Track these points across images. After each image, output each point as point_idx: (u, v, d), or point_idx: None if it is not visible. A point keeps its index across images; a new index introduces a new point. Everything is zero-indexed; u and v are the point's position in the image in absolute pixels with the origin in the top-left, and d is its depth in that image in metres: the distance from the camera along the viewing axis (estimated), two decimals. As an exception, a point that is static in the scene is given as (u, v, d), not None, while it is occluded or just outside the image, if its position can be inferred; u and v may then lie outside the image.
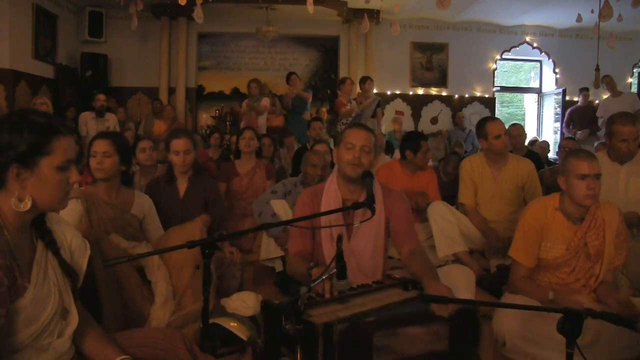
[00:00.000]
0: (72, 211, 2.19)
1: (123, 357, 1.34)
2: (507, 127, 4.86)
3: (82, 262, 1.39)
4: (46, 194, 1.21)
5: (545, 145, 6.64)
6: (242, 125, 6.70)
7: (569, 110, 8.04)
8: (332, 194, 2.11)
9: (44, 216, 1.30)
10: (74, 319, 1.32)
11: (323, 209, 2.07)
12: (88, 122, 6.29)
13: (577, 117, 7.61)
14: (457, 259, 3.17)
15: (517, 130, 4.70)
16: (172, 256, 2.17)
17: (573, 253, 2.20)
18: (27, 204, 1.18)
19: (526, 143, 5.66)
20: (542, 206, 2.28)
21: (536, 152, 5.35)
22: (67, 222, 1.42)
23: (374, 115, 6.57)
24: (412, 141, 3.68)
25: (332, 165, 3.83)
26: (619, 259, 2.22)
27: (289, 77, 7.03)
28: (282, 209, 3.16)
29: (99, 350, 1.37)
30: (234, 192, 3.93)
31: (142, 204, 2.50)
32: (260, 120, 6.66)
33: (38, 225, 1.29)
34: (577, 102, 8.06)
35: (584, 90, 7.67)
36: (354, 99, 6.48)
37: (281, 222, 2.24)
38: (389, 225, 2.14)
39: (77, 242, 1.39)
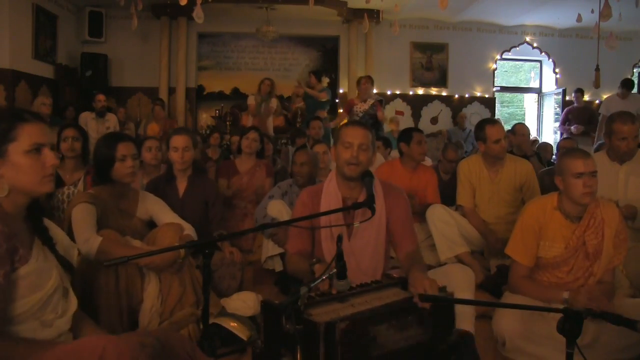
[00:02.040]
0: (87, 214, 2.17)
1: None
2: (507, 127, 4.87)
3: (73, 258, 1.50)
4: (22, 178, 1.30)
5: (549, 149, 6.55)
6: (243, 123, 6.71)
7: (565, 109, 8.06)
8: (331, 193, 2.11)
9: (41, 214, 1.40)
10: (73, 301, 1.42)
11: (323, 208, 2.07)
12: (88, 123, 6.28)
13: (573, 117, 7.61)
14: (459, 261, 3.16)
15: (522, 129, 4.64)
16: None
17: (572, 252, 2.20)
18: (4, 189, 1.29)
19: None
20: (541, 205, 2.28)
21: (538, 153, 5.32)
22: (54, 225, 1.51)
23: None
24: (405, 133, 3.74)
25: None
26: (617, 258, 2.22)
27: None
28: (276, 209, 3.16)
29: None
30: (234, 189, 3.93)
31: (146, 205, 2.48)
32: (269, 121, 6.66)
33: (36, 223, 1.39)
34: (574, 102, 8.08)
35: (578, 92, 7.71)
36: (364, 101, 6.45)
37: (281, 223, 2.24)
38: (389, 224, 2.13)
39: (67, 241, 1.50)
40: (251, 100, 6.66)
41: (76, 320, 1.43)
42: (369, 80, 6.37)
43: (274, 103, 6.67)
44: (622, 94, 6.78)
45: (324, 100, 6.94)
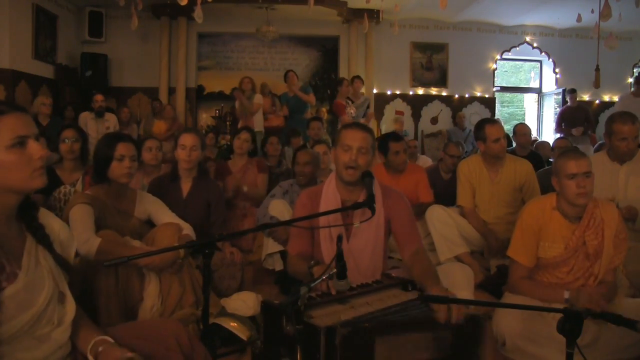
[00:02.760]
0: (85, 215, 2.17)
1: (101, 337, 1.33)
2: (507, 127, 4.90)
3: (70, 252, 1.40)
4: (9, 176, 1.18)
5: (548, 147, 6.56)
6: (240, 124, 6.71)
7: (559, 111, 8.01)
8: (330, 195, 2.10)
9: (34, 211, 1.30)
10: (71, 306, 1.31)
11: (322, 210, 2.06)
12: (88, 123, 6.27)
13: (567, 117, 7.57)
14: (459, 262, 3.16)
15: (524, 129, 4.73)
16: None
17: (572, 252, 2.20)
18: None
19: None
20: (540, 205, 2.28)
21: (538, 152, 5.34)
22: (52, 214, 1.42)
23: (363, 115, 6.61)
24: (382, 143, 3.66)
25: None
26: (618, 258, 2.22)
27: (285, 75, 7.00)
28: (277, 209, 3.17)
29: (87, 339, 1.36)
30: (228, 189, 3.94)
31: (144, 205, 2.48)
32: (256, 118, 6.64)
33: (29, 221, 1.28)
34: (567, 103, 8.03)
35: (572, 92, 7.68)
36: (348, 99, 6.49)
37: (280, 223, 2.24)
38: (391, 226, 2.12)
39: (64, 233, 1.39)
40: (237, 104, 6.70)
41: (74, 325, 1.34)
42: (348, 82, 6.52)
43: (258, 99, 6.64)
44: (635, 92, 6.70)
45: (312, 104, 6.95)
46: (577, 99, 8.03)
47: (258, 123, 6.60)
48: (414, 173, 3.73)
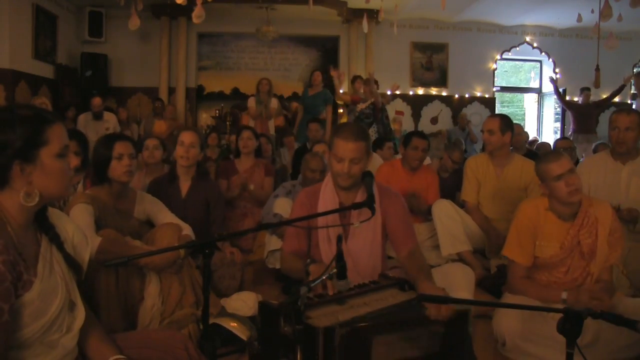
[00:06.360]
0: (85, 214, 2.17)
1: (117, 356, 1.33)
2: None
3: (84, 256, 1.39)
4: (52, 184, 1.20)
5: (548, 148, 6.55)
6: (244, 123, 6.69)
7: (569, 110, 7.96)
8: (328, 195, 2.10)
9: (45, 211, 1.30)
10: (80, 313, 1.31)
11: (320, 209, 2.05)
12: (87, 124, 6.28)
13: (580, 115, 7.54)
14: (460, 259, 3.17)
15: (516, 129, 4.79)
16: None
17: (567, 252, 2.20)
18: (36, 198, 1.18)
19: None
20: (534, 206, 2.29)
21: (536, 152, 5.37)
22: (67, 217, 1.42)
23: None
24: (406, 137, 3.78)
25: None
26: (613, 256, 2.21)
27: (312, 75, 6.90)
28: (281, 207, 3.18)
29: (97, 348, 1.36)
30: (233, 188, 3.94)
31: (144, 205, 2.48)
32: (270, 123, 6.63)
33: (40, 221, 1.28)
34: (578, 101, 8.03)
35: (585, 90, 7.65)
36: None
37: (280, 223, 2.24)
38: (386, 226, 2.12)
39: (78, 236, 1.39)
40: (251, 103, 6.62)
41: (84, 332, 1.34)
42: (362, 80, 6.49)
43: (274, 103, 6.63)
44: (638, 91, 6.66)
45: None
46: (577, 99, 8.03)
47: (271, 129, 6.60)
48: (427, 175, 3.76)
